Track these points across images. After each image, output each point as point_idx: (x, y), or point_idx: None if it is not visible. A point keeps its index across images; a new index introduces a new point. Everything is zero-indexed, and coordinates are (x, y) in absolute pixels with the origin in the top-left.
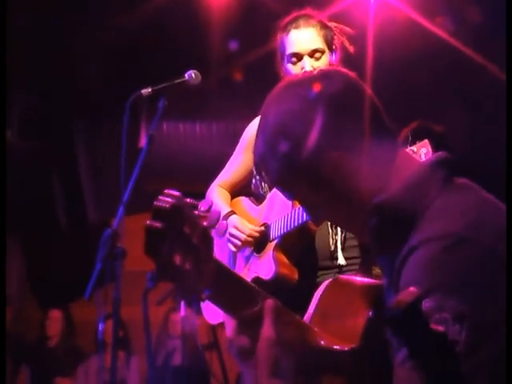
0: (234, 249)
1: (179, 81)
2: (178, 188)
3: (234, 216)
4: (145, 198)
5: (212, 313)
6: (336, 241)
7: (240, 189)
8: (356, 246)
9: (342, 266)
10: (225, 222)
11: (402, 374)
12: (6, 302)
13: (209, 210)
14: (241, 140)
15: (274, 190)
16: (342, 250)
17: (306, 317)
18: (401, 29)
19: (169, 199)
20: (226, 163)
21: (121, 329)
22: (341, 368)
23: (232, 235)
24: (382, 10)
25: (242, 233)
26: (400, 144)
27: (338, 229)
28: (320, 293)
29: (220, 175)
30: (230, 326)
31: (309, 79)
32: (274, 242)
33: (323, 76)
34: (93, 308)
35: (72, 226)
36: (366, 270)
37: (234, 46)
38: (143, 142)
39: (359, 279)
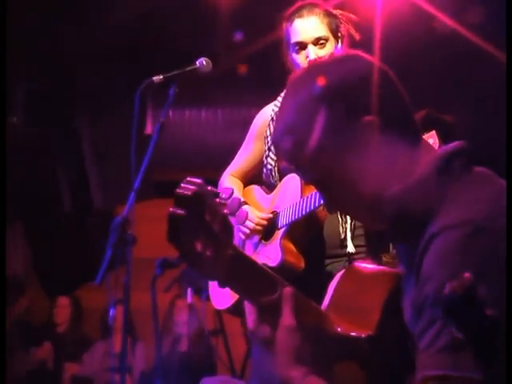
0: (243, 237)
1: (190, 68)
2: (183, 175)
3: (244, 206)
4: (150, 185)
5: (220, 298)
6: (346, 229)
7: (252, 177)
8: (363, 235)
9: (352, 253)
10: (244, 209)
11: (426, 359)
12: (6, 300)
13: (230, 197)
14: (251, 129)
15: (286, 178)
16: (352, 238)
17: (323, 304)
18: (407, 19)
19: (191, 186)
20: (230, 151)
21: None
22: (358, 355)
23: (243, 225)
24: (389, 0)
25: (251, 221)
26: (420, 136)
27: (348, 217)
28: (336, 281)
29: (231, 164)
30: (251, 316)
31: (319, 67)
32: (282, 230)
33: (339, 62)
34: (98, 294)
35: (77, 214)
36: (374, 258)
37: (239, 34)
38: (149, 128)
39: (374, 266)
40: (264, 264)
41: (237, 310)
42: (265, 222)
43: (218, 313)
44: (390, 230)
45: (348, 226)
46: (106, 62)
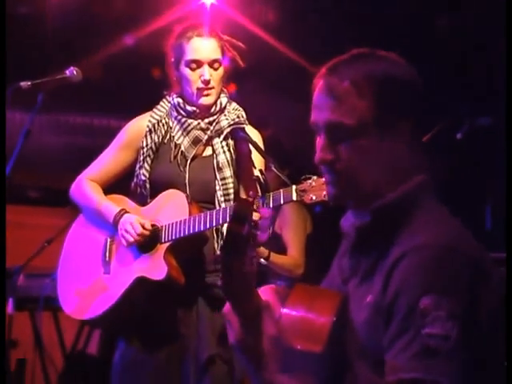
0: (125, 244)
1: (60, 77)
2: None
3: (128, 214)
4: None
5: (80, 308)
6: (220, 245)
7: (110, 185)
8: None
9: None
10: (129, 217)
11: (401, 363)
12: (5, 304)
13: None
14: (119, 137)
15: (167, 193)
16: None
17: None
18: (235, 37)
19: (248, 205)
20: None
21: None
22: (311, 369)
23: (127, 231)
24: (217, 19)
25: (135, 230)
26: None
27: (223, 234)
28: (269, 294)
29: (90, 169)
30: (234, 328)
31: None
32: (166, 245)
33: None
34: None
35: None
36: None
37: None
38: None
39: (318, 287)
40: (144, 277)
41: (101, 322)
42: (147, 233)
43: (34, 325)
44: (359, 237)
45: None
46: None
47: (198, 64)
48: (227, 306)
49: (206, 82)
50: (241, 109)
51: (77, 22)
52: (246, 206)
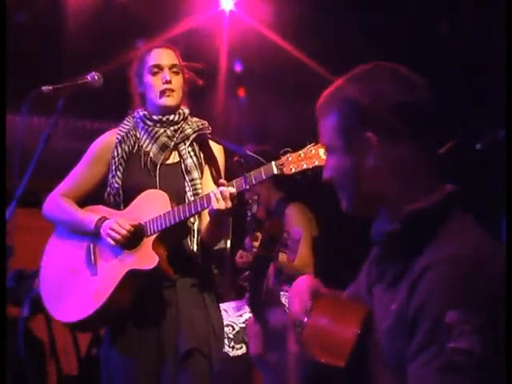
0: (112, 242)
1: (81, 82)
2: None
3: (109, 219)
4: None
5: (65, 311)
6: (193, 242)
7: (85, 199)
8: None
9: None
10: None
11: (428, 375)
12: (5, 303)
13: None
14: (88, 153)
15: (147, 192)
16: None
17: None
18: (253, 43)
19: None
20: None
21: None
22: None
23: (113, 229)
24: (236, 25)
25: (122, 228)
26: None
27: (197, 231)
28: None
29: (62, 186)
30: (257, 342)
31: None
32: (153, 237)
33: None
34: None
35: None
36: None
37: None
38: None
39: (342, 298)
40: (134, 269)
41: (92, 321)
42: (133, 229)
43: (49, 328)
44: (388, 243)
45: (195, 240)
46: None
47: (159, 67)
48: (251, 320)
49: (168, 82)
50: (203, 121)
51: (94, 29)
52: (277, 228)
